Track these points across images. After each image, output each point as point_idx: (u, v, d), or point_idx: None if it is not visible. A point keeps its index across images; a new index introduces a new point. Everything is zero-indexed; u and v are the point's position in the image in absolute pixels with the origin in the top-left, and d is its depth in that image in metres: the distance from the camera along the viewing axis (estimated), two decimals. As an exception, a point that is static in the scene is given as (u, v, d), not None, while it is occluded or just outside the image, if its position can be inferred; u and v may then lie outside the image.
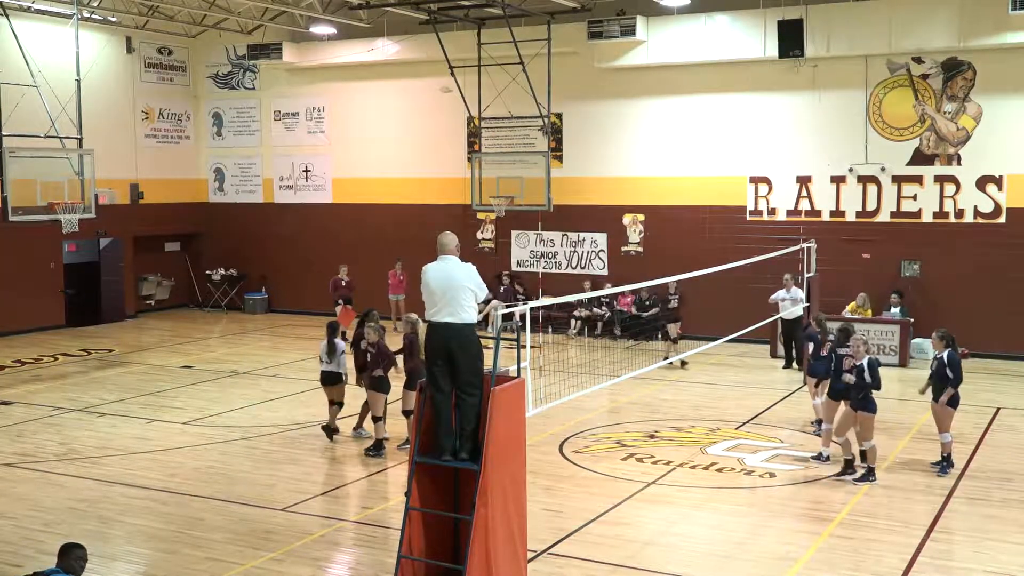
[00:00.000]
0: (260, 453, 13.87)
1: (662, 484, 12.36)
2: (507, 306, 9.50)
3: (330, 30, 24.94)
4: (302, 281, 26.88)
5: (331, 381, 14.49)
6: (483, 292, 8.70)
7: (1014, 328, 20.06)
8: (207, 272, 28.33)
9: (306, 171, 27.37)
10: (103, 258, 25.94)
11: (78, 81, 20.01)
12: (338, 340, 14.63)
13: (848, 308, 20.64)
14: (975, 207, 20.49)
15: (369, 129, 26.31)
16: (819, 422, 14.24)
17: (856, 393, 12.27)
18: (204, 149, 28.72)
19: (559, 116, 23.83)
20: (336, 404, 14.48)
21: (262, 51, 25.89)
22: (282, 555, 10.10)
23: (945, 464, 12.65)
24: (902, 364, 19.68)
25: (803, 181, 21.89)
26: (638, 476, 12.65)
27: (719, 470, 12.88)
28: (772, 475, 12.69)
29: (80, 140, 19.86)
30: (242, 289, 28.11)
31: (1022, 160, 20.10)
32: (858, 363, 12.22)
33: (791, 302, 18.62)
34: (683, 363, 19.37)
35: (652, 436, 14.64)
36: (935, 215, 20.84)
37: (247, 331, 24.91)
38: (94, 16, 24.34)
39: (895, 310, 20.46)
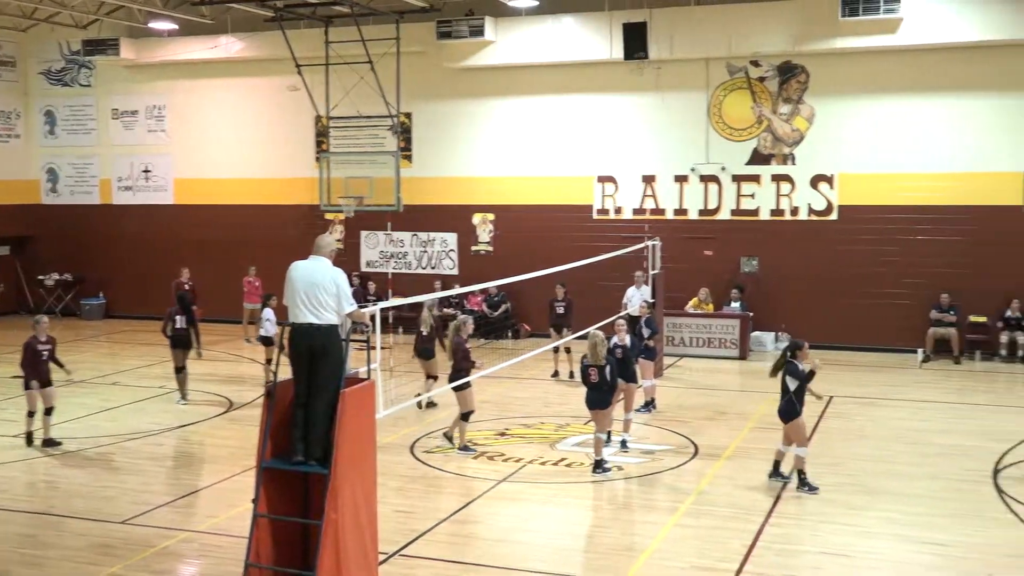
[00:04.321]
0: (99, 464, 13.33)
1: (512, 481, 12.45)
2: (359, 307, 9.35)
3: (171, 26, 24.15)
4: (143, 285, 25.93)
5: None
6: (349, 304, 8.44)
7: (845, 320, 21.03)
8: (39, 277, 27.05)
9: (146, 171, 26.43)
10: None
11: None
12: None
13: (691, 303, 21.25)
14: (809, 205, 21.40)
15: (213, 128, 25.61)
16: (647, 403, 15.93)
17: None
18: (35, 148, 27.42)
19: (408, 116, 23.73)
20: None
21: (98, 47, 24.87)
22: (122, 569, 9.71)
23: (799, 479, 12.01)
24: (742, 357, 20.40)
25: (648, 180, 22.43)
26: (489, 474, 12.71)
27: (568, 465, 13.07)
28: (619, 468, 12.95)
29: None
30: (78, 294, 26.95)
31: (852, 160, 21.10)
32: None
33: (639, 298, 18.95)
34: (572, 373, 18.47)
35: (503, 434, 14.73)
36: (772, 212, 21.67)
37: (84, 337, 23.86)
38: (-89, 6, 22.96)
39: (735, 304, 21.18)
